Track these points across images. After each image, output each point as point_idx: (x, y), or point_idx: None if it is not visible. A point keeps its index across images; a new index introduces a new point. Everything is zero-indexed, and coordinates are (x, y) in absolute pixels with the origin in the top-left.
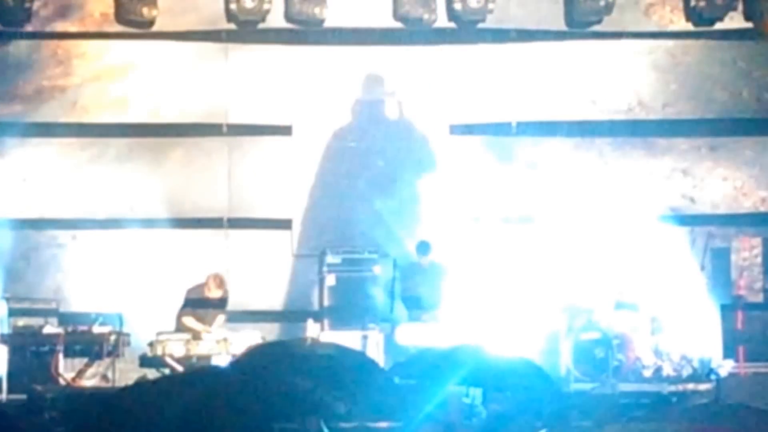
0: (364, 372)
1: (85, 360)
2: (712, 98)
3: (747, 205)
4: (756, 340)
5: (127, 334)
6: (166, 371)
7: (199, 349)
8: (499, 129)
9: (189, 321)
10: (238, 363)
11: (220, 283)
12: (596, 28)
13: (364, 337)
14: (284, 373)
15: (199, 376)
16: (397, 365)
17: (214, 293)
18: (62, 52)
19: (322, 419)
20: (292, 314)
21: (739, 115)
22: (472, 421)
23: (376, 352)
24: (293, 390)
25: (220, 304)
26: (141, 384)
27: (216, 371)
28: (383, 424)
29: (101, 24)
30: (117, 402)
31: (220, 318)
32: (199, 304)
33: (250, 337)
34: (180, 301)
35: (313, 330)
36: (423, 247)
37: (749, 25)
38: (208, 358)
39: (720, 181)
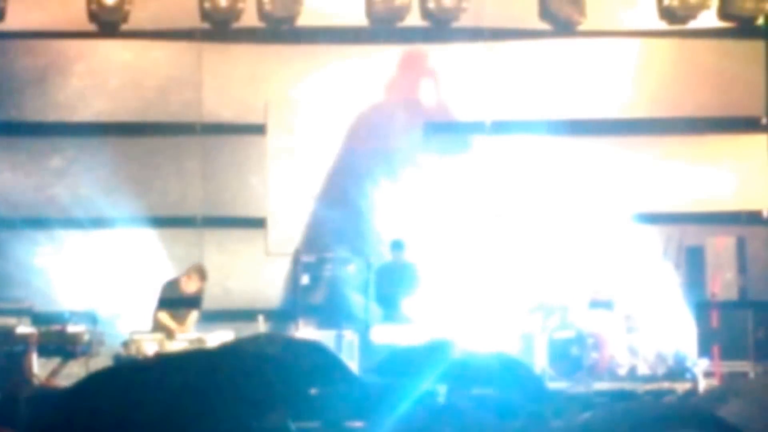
0: (328, 368)
1: (58, 360)
2: (685, 97)
3: (721, 204)
4: (731, 339)
5: (101, 334)
6: None
7: (173, 348)
8: (474, 128)
9: (164, 317)
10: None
11: (203, 275)
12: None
13: (339, 337)
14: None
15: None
16: (372, 365)
17: (193, 285)
18: (34, 52)
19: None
20: (266, 314)
21: (712, 113)
22: (443, 418)
23: (350, 352)
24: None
25: (195, 301)
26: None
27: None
28: (356, 424)
29: (74, 23)
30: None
31: (194, 315)
32: (175, 302)
33: (223, 336)
34: (155, 298)
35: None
36: (397, 246)
37: (723, 23)
38: None
39: (695, 180)
